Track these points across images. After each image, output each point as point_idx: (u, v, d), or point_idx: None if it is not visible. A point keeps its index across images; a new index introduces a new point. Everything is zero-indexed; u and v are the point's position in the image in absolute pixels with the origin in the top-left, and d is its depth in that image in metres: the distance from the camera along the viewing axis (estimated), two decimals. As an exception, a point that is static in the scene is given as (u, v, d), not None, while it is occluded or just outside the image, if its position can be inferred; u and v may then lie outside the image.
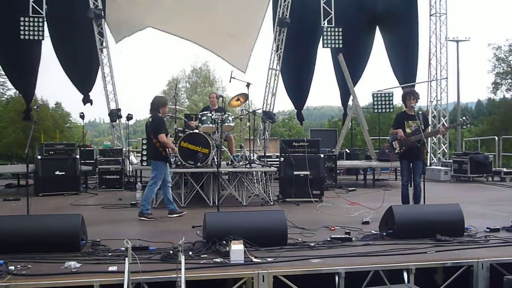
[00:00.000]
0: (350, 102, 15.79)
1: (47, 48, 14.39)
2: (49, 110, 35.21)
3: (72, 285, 4.22)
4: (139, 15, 15.85)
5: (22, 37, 12.80)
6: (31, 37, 12.91)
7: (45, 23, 13.26)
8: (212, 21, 15.84)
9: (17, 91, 33.92)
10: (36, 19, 12.93)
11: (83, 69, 14.90)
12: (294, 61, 15.46)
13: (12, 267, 4.45)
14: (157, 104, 7.70)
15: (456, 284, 4.88)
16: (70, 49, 14.61)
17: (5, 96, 40.42)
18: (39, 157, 10.56)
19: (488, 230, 6.18)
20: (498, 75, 37.27)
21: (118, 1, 14.95)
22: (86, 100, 14.98)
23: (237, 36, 16.00)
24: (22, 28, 12.78)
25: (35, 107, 9.20)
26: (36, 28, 12.92)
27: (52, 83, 18.46)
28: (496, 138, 16.59)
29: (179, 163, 8.84)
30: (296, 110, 16.83)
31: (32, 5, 13.01)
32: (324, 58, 16.09)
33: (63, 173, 10.56)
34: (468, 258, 4.93)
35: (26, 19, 12.85)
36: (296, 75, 15.79)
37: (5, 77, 38.58)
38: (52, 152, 10.71)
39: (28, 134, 6.75)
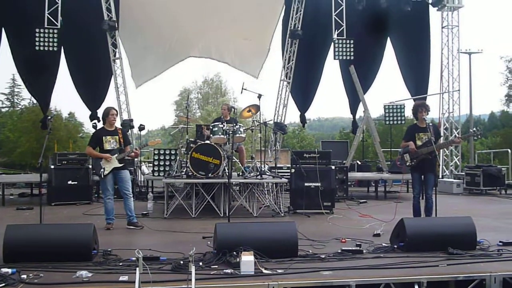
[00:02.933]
0: (361, 113, 15.78)
1: (60, 59, 14.57)
2: (63, 120, 35.59)
3: (83, 294, 4.25)
4: (159, 59, 16.22)
5: (37, 48, 12.97)
6: (46, 48, 13.07)
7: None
8: (224, 30, 15.96)
9: (31, 101, 34.54)
10: (51, 31, 13.12)
11: (93, 84, 14.96)
12: (301, 69, 15.45)
13: (25, 276, 4.50)
14: (102, 116, 7.93)
15: (468, 298, 4.83)
16: (82, 63, 14.73)
17: (19, 106, 41.09)
18: (52, 166, 10.68)
19: (501, 243, 6.11)
20: (511, 88, 37.04)
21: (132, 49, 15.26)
22: (94, 117, 15.01)
23: (251, 39, 16.04)
24: (37, 39, 12.97)
25: (49, 117, 9.33)
26: (51, 39, 13.07)
27: (66, 93, 18.64)
28: (510, 150, 16.43)
29: (190, 173, 8.88)
30: (299, 112, 16.65)
31: (48, 17, 13.21)
32: (335, 69, 16.13)
33: (76, 182, 10.69)
34: (480, 272, 4.88)
35: (41, 30, 13.04)
36: (303, 80, 15.73)
37: (20, 87, 39.47)
38: (65, 162, 10.83)
39: (42, 144, 6.83)
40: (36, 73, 14.20)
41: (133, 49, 15.30)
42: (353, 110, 16.63)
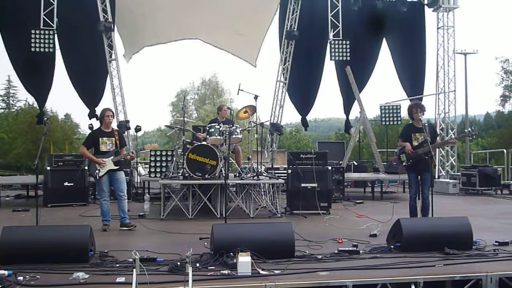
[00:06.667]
0: (356, 114, 15.82)
1: (57, 59, 14.55)
2: (59, 121, 35.49)
3: (80, 296, 4.24)
4: (145, 33, 16.19)
5: (32, 49, 12.97)
6: (42, 49, 13.06)
7: (56, 35, 13.43)
8: (219, 19, 16.02)
9: (27, 102, 34.50)
10: (47, 32, 13.10)
11: (91, 84, 14.99)
12: (300, 71, 15.49)
13: (21, 278, 4.48)
14: (99, 117, 7.99)
15: (464, 298, 4.84)
16: (78, 63, 14.73)
17: (15, 108, 40.97)
18: (48, 168, 10.64)
19: (497, 243, 6.13)
20: (507, 88, 37.21)
21: (125, 20, 15.21)
22: (92, 115, 14.98)
23: (246, 34, 16.09)
24: (33, 40, 12.96)
25: (45, 118, 9.32)
26: (47, 41, 13.08)
27: (62, 95, 18.66)
28: (505, 151, 16.50)
29: (186, 174, 8.87)
30: (300, 116, 16.61)
31: (43, 18, 13.19)
32: (331, 70, 16.15)
33: (72, 184, 10.64)
34: (476, 272, 4.89)
35: (37, 31, 13.03)
36: (302, 83, 15.78)
37: (15, 88, 39.38)
38: (61, 164, 10.79)
39: (38, 145, 6.82)
40: (33, 72, 14.18)
41: (126, 20, 15.38)
42: (347, 110, 16.66)
